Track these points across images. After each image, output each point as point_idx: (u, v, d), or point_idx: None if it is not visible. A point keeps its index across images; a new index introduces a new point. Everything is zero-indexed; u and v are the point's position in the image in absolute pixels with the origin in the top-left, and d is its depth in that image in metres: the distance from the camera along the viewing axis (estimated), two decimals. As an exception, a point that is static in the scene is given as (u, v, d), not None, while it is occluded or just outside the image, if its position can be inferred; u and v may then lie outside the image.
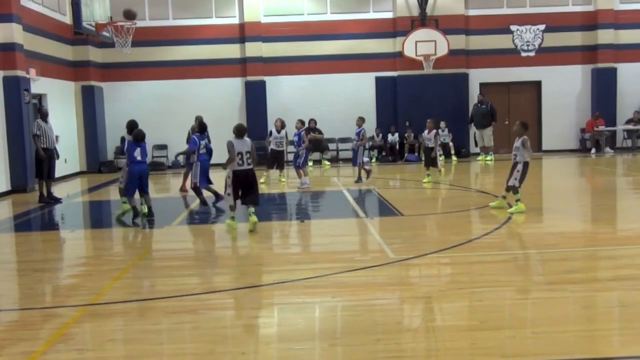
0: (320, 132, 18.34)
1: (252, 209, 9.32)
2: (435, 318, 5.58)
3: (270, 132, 15.43)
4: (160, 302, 6.09)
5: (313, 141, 14.22)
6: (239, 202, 9.48)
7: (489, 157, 19.83)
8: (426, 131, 14.56)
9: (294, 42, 21.24)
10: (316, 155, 20.44)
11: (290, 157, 16.18)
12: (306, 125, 15.02)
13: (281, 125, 15.09)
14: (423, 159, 15.72)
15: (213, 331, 5.23)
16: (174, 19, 21.23)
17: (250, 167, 9.29)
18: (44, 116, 13.32)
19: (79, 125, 20.22)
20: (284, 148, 15.45)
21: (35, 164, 13.30)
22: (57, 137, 13.82)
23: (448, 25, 20.77)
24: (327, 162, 20.29)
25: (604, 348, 4.72)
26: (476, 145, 20.69)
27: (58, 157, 13.76)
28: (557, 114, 21.85)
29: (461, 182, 15.62)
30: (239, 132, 9.31)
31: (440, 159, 20.31)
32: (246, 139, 9.35)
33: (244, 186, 9.31)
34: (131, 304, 6.02)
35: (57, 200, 13.42)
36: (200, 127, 12.39)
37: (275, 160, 15.23)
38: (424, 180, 14.19)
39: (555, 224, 9.75)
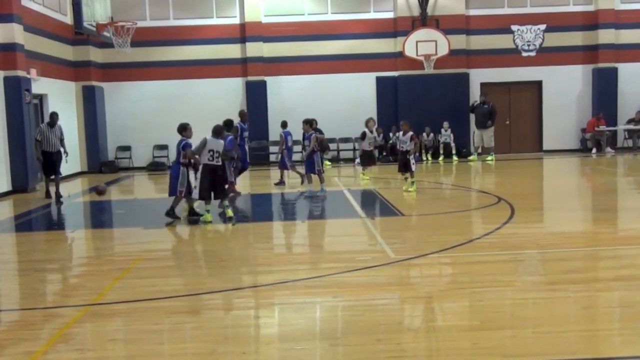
0: (321, 132, 18.27)
1: (225, 203, 10.33)
2: (436, 318, 5.58)
3: (364, 133, 15.39)
4: (161, 302, 6.10)
5: (321, 143, 13.83)
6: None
7: (489, 157, 19.87)
8: (400, 133, 13.32)
9: (294, 42, 21.24)
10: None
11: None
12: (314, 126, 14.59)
13: (373, 125, 15.59)
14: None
15: (214, 331, 5.24)
16: (175, 19, 21.24)
17: (220, 164, 10.11)
18: (52, 123, 13.49)
19: (79, 125, 20.24)
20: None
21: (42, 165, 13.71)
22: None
23: (449, 25, 20.77)
24: (327, 162, 20.28)
25: (605, 348, 4.72)
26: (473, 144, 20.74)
27: (64, 157, 13.89)
28: (558, 113, 21.84)
29: (462, 182, 15.64)
30: (217, 132, 10.23)
31: (440, 159, 20.46)
32: (220, 140, 10.18)
33: (213, 180, 10.03)
34: (132, 304, 6.02)
35: (58, 200, 13.48)
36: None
37: (370, 158, 15.82)
38: (410, 189, 12.95)
39: (556, 223, 9.76)
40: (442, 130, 20.76)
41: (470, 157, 20.29)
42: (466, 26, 21.46)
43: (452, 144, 20.69)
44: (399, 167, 13.44)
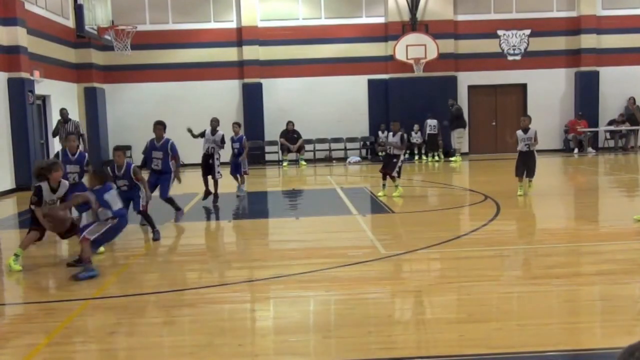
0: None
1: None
2: (425, 311, 5.70)
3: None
4: (160, 296, 6.22)
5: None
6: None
7: (453, 158, 20.15)
8: (391, 133, 12.18)
9: (289, 45, 21.45)
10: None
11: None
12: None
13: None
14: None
15: (211, 324, 5.35)
16: (174, 22, 21.44)
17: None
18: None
19: (81, 126, 20.39)
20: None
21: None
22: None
23: (438, 29, 21.03)
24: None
25: (587, 340, 4.84)
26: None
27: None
28: (542, 115, 21.83)
29: (449, 180, 15.89)
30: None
31: (438, 157, 20.68)
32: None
33: None
34: (132, 297, 6.12)
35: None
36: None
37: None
38: (394, 194, 12.15)
39: (540, 220, 9.94)
40: (412, 133, 21.08)
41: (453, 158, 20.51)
42: (454, 31, 21.74)
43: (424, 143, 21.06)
44: (383, 168, 12.30)
